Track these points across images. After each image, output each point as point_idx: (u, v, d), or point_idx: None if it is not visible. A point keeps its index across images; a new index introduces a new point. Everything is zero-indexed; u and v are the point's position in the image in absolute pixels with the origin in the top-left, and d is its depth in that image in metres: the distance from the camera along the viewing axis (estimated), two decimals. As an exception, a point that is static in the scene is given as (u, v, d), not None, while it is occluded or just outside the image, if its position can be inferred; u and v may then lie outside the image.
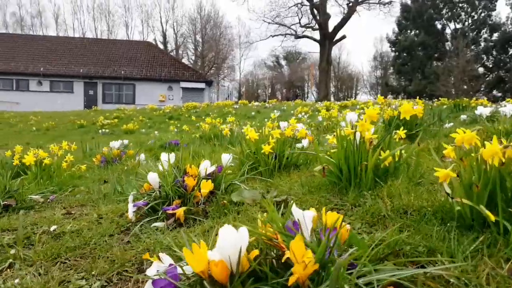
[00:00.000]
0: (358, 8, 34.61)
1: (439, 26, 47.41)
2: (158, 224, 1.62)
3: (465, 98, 10.55)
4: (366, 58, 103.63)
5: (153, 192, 1.83)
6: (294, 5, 35.79)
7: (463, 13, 44.70)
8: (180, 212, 1.58)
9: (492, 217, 1.08)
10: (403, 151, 1.81)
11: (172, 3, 64.84)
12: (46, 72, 28.86)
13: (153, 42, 48.37)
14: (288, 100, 35.02)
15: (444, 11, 46.79)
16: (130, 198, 1.74)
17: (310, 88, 51.03)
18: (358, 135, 1.72)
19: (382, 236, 1.13)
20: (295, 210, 1.02)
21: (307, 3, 35.31)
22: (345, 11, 34.78)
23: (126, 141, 5.62)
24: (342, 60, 60.68)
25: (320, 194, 1.73)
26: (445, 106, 8.74)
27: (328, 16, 34.48)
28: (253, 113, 13.72)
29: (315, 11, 35.06)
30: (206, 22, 48.23)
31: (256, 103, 19.14)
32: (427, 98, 22.83)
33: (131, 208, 1.69)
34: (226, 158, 2.08)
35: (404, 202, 1.45)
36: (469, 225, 1.19)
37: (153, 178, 1.79)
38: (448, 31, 46.88)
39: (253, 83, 62.82)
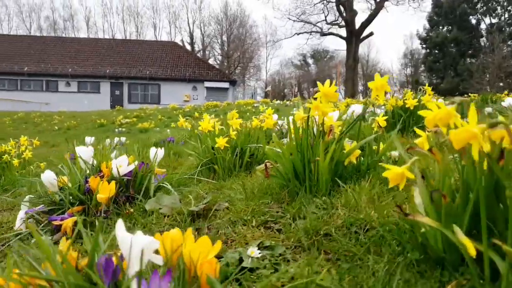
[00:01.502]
0: (386, 3, 33.44)
1: (473, 21, 45.52)
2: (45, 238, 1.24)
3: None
4: (396, 56, 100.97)
5: (61, 195, 1.46)
6: (319, 2, 34.99)
7: (499, 7, 42.68)
8: (68, 223, 1.20)
9: (472, 250, 0.63)
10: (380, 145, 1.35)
11: (199, 3, 65.06)
12: (74, 73, 29.42)
13: (180, 43, 48.79)
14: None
15: (478, 6, 44.85)
16: (24, 204, 1.37)
17: (338, 86, 50.05)
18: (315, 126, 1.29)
19: (284, 275, 0.69)
20: (121, 234, 0.59)
21: (333, 0, 34.47)
22: (373, 7, 33.70)
23: (123, 139, 5.33)
24: (371, 58, 59.31)
25: (262, 200, 1.31)
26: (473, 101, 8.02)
27: (355, 13, 33.51)
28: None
29: (341, 8, 34.17)
30: (232, 21, 48.15)
31: (278, 101, 18.66)
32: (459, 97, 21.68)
33: (19, 216, 1.32)
34: (154, 152, 1.68)
35: (361, 216, 1.00)
36: (437, 260, 0.74)
37: (47, 178, 1.42)
38: (483, 26, 44.90)
39: (280, 82, 62.41)
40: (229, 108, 15.35)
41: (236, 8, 68.65)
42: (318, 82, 1.35)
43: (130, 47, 34.50)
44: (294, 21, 37.29)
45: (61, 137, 11.56)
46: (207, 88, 30.72)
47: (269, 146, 1.48)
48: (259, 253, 0.99)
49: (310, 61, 60.57)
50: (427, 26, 47.89)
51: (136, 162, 1.60)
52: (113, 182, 1.40)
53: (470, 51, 44.82)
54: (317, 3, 35.28)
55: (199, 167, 2.01)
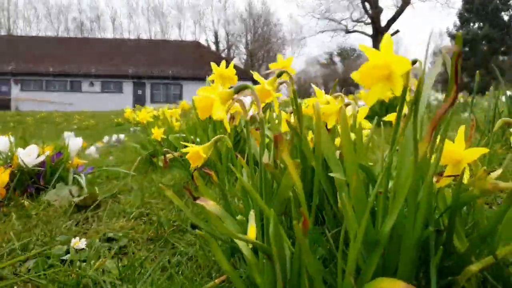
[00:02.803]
0: (412, 0, 32.54)
1: (505, 18, 43.92)
2: None
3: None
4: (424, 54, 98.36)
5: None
6: (344, -1, 34.40)
7: (533, 3, 40.94)
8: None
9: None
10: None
11: (223, 2, 65.24)
12: (97, 73, 29.87)
13: (205, 42, 48.99)
14: None
15: (511, 1, 43.23)
16: None
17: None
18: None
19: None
20: None
21: (359, -3, 33.79)
22: (399, 4, 32.82)
23: (122, 136, 5.10)
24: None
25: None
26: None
27: (380, 10, 32.74)
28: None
29: (367, 5, 33.45)
30: (256, 20, 47.98)
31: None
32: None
33: None
34: (73, 142, 1.52)
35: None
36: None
37: None
38: (516, 23, 43.22)
39: (305, 81, 62.00)
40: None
41: (260, 6, 68.52)
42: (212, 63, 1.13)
43: (153, 47, 34.80)
44: (318, 18, 36.81)
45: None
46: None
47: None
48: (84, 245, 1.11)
49: (336, 59, 59.86)
50: (458, 23, 46.51)
51: (48, 153, 1.46)
52: (6, 172, 1.22)
53: (502, 49, 43.35)
54: (342, 0, 34.69)
55: (137, 160, 1.88)
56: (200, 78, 30.80)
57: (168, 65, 31.67)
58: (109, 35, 51.71)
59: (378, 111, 4.72)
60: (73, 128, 13.77)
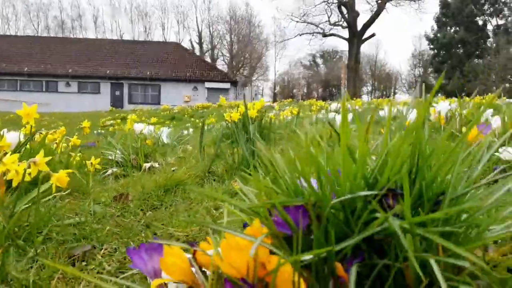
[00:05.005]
0: (387, 5, 33.10)
1: (480, 23, 44.95)
2: None
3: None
4: (405, 57, 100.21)
5: None
6: (321, 3, 34.70)
7: (506, 9, 42.05)
8: None
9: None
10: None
11: (207, 3, 65.07)
12: (75, 73, 29.48)
13: (189, 43, 48.81)
14: (324, 100, 33.90)
15: (485, 7, 44.26)
16: None
17: (342, 87, 49.85)
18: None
19: None
20: None
21: (335, 1, 34.15)
22: (374, 9, 33.32)
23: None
24: (379, 59, 58.95)
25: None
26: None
27: (356, 14, 33.19)
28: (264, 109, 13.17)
29: (343, 9, 33.86)
30: (240, 21, 48.02)
31: (267, 103, 18.51)
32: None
33: None
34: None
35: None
36: None
37: None
38: (489, 27, 44.30)
39: (289, 83, 62.28)
40: (219, 109, 15.18)
41: (244, 8, 68.58)
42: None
43: (132, 47, 34.53)
44: (297, 21, 37.08)
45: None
46: (208, 88, 30.58)
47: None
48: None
49: (319, 61, 60.39)
50: (435, 27, 47.44)
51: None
52: None
53: (476, 52, 44.34)
54: (318, 4, 35.03)
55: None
56: (178, 79, 30.71)
57: (147, 66, 31.46)
58: (91, 34, 51.13)
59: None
60: (41, 130, 13.64)
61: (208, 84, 30.67)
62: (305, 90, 61.97)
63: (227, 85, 30.95)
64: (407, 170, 0.71)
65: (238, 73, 46.89)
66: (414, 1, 34.40)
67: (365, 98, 50.83)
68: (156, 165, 2.35)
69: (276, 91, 59.11)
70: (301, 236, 0.64)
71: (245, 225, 0.78)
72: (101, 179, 2.17)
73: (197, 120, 11.98)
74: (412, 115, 2.70)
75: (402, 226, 0.61)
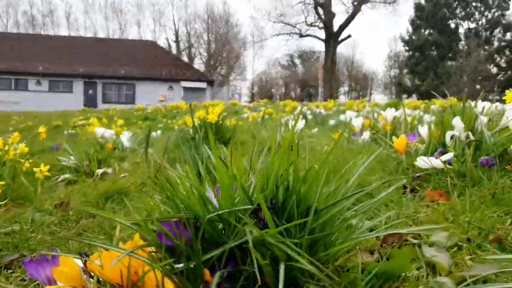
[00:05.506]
0: (362, 7, 33.72)
1: (452, 26, 46.18)
2: None
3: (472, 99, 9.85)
4: (381, 58, 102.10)
5: None
6: (298, 3, 35.05)
7: (476, 12, 43.37)
8: None
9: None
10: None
11: (184, 1, 64.57)
12: (46, 71, 28.78)
13: (166, 41, 48.30)
14: (302, 100, 34.21)
15: (458, 10, 45.51)
16: None
17: (319, 87, 50.34)
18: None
19: None
20: None
21: (312, 2, 34.55)
22: (350, 10, 33.91)
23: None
24: (356, 60, 59.82)
25: None
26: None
27: (333, 15, 33.68)
28: (225, 113, 13.23)
29: (320, 10, 34.29)
30: (217, 20, 47.86)
31: (244, 103, 18.64)
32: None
33: None
34: None
35: None
36: None
37: None
38: (461, 30, 45.61)
39: (267, 83, 62.49)
40: (193, 110, 15.13)
41: (221, 6, 68.44)
42: None
43: (106, 46, 33.96)
44: (274, 22, 37.33)
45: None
46: (184, 88, 30.42)
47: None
48: None
49: (297, 61, 60.87)
50: (410, 29, 48.44)
51: None
52: None
53: (449, 54, 45.50)
54: (295, 5, 35.36)
55: None
56: (154, 78, 30.42)
57: (121, 65, 31.02)
58: (63, 31, 50.02)
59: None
60: (9, 130, 13.35)
61: (184, 84, 30.51)
62: (283, 90, 62.43)
63: (203, 85, 30.87)
64: (271, 188, 0.82)
65: (215, 72, 46.80)
66: (389, 4, 35.15)
67: (342, 98, 51.60)
68: (110, 171, 2.42)
69: (254, 90, 59.28)
70: (183, 246, 0.74)
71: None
72: (51, 186, 2.22)
73: (169, 121, 11.96)
74: (357, 123, 2.84)
75: (264, 237, 0.72)
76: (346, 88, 60.32)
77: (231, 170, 0.80)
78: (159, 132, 7.22)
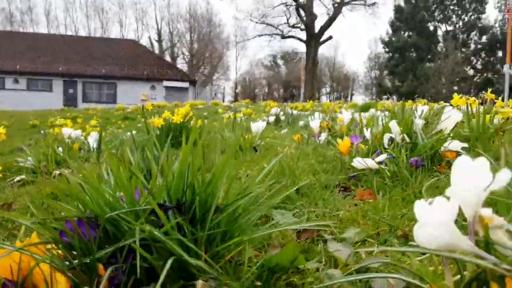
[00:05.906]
0: (343, 9, 34.14)
1: (431, 28, 47.10)
2: None
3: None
4: (362, 59, 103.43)
5: None
6: (279, 5, 35.23)
7: (454, 16, 44.32)
8: None
9: None
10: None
11: (167, 1, 64.18)
12: (23, 69, 28.22)
13: (148, 40, 47.92)
14: (285, 100, 34.36)
15: (436, 13, 46.41)
16: None
17: (301, 88, 50.66)
18: None
19: None
20: None
21: (293, 3, 34.75)
22: (331, 12, 34.24)
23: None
24: (338, 61, 60.42)
25: None
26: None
27: (314, 17, 33.94)
28: (205, 113, 13.26)
29: (301, 12, 34.53)
30: (200, 20, 47.71)
31: (226, 103, 18.67)
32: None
33: None
34: None
35: None
36: None
37: None
38: (440, 33, 46.55)
39: (250, 83, 62.61)
40: (174, 109, 15.08)
41: (204, 6, 68.16)
42: None
43: (86, 44, 33.55)
44: (256, 23, 37.41)
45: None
46: (166, 87, 30.27)
47: None
48: None
49: (280, 62, 61.16)
50: (390, 31, 49.16)
51: None
52: None
53: (428, 56, 46.34)
54: (276, 6, 35.52)
55: None
56: (136, 78, 30.17)
57: (103, 64, 30.67)
58: (43, 29, 49.10)
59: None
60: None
61: (166, 83, 30.36)
62: (266, 90, 62.69)
63: (186, 85, 30.76)
64: (176, 188, 0.88)
65: (198, 72, 46.67)
66: (369, 6, 35.61)
67: (324, 99, 51.99)
68: (67, 171, 2.44)
69: (237, 90, 59.33)
70: (77, 243, 0.80)
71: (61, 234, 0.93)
72: (4, 187, 2.23)
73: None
74: (315, 124, 2.91)
75: (153, 234, 0.78)
76: (328, 89, 61.02)
77: (130, 172, 0.86)
78: (134, 132, 7.19)
